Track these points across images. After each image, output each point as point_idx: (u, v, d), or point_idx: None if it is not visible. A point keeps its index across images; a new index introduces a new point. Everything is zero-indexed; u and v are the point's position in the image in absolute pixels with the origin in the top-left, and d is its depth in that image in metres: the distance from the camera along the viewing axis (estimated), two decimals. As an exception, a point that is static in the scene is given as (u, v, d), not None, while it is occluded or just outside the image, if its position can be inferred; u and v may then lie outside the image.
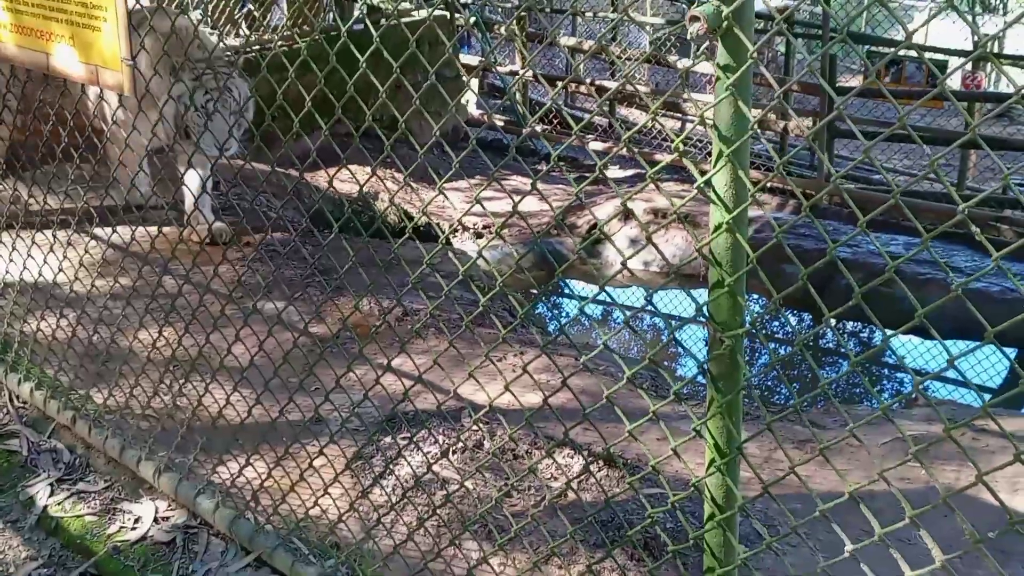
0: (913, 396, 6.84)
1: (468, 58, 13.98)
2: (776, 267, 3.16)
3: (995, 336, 1.53)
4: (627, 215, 8.43)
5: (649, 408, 2.09)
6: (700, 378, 6.61)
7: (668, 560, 2.24)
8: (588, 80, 11.18)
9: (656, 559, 3.24)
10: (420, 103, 2.28)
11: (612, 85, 11.10)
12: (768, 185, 10.29)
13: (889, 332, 1.67)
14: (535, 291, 8.17)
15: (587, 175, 10.15)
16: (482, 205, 2.33)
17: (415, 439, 3.97)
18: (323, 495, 3.07)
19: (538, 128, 10.87)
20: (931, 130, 10.65)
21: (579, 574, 3.11)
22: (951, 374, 7.83)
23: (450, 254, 2.66)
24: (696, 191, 1.95)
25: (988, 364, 7.87)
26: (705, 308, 2.00)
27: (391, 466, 3.74)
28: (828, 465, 1.89)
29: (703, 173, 1.93)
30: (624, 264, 2.06)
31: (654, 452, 2.21)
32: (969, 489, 1.71)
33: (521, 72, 9.43)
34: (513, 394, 2.58)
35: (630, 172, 11.91)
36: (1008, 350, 7.80)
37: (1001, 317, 1.64)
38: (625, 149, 3.41)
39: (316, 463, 3.26)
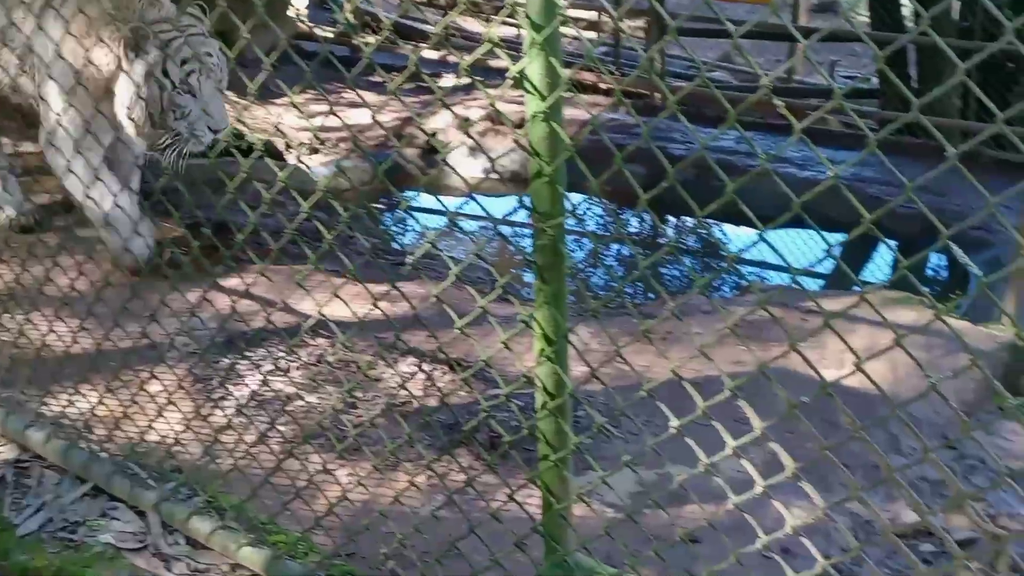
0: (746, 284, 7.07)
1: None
2: (611, 166, 3.21)
3: (817, 220, 1.59)
4: (461, 124, 8.37)
5: (484, 307, 2.10)
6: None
7: (504, 452, 2.27)
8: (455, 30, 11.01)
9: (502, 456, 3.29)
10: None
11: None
12: (604, 87, 10.36)
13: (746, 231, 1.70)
14: (378, 205, 8.09)
15: (423, 85, 10.01)
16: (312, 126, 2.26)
17: (254, 359, 3.91)
18: (157, 419, 3.00)
19: (370, 39, 10.66)
20: (762, 25, 10.84)
21: (427, 476, 3.13)
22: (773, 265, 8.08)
23: (269, 163, 2.58)
24: (510, 81, 1.93)
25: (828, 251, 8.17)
26: (527, 199, 2.00)
27: (227, 386, 3.68)
28: (668, 357, 1.93)
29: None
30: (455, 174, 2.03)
31: (497, 355, 2.22)
32: (781, 358, 1.77)
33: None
34: (349, 307, 2.55)
35: (466, 81, 11.82)
36: (837, 235, 8.11)
37: (829, 203, 1.71)
38: (454, 56, 3.38)
39: (154, 389, 3.18)
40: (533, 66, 1.88)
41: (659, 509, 3.06)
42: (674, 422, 1.89)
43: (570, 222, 3.40)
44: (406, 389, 2.61)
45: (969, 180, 1.59)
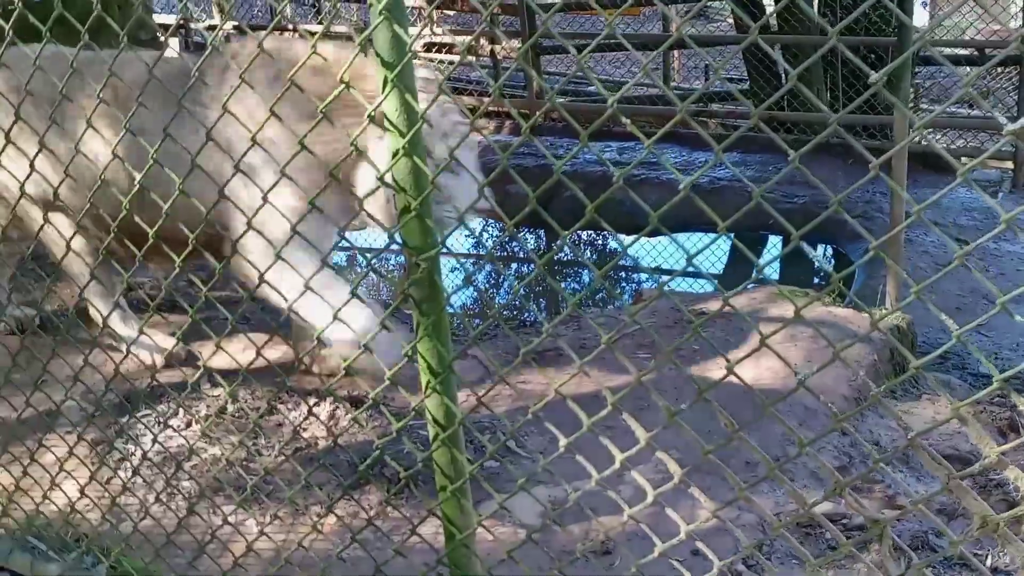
0: (637, 292, 7.16)
1: (164, 17, 13.40)
2: (501, 188, 3.24)
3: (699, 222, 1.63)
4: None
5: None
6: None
7: (405, 487, 2.28)
8: (293, 25, 10.91)
9: (414, 490, 3.30)
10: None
11: (318, 28, 10.91)
12: (494, 109, 10.43)
13: (626, 238, 1.74)
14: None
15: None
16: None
17: (154, 416, 3.86)
18: (53, 488, 2.94)
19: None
20: (637, 36, 11.01)
21: (337, 518, 3.12)
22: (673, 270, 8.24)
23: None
24: (368, 122, 1.94)
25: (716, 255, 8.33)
26: (398, 234, 2.02)
27: (126, 446, 3.63)
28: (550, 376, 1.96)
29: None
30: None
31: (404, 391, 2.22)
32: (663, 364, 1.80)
33: (220, 25, 9.14)
34: (233, 357, 2.54)
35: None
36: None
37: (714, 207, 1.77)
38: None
39: (48, 459, 3.12)
40: (389, 103, 1.90)
41: (574, 524, 3.13)
42: (563, 441, 1.91)
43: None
44: (299, 432, 2.58)
45: (844, 171, 1.64)
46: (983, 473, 3.05)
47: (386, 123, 1.93)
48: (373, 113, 1.90)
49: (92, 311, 4.19)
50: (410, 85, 1.90)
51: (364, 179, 3.71)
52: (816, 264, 8.25)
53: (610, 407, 1.83)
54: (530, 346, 1.87)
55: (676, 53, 12.88)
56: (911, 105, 11.16)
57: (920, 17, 19.42)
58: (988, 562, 2.99)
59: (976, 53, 10.12)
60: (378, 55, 1.88)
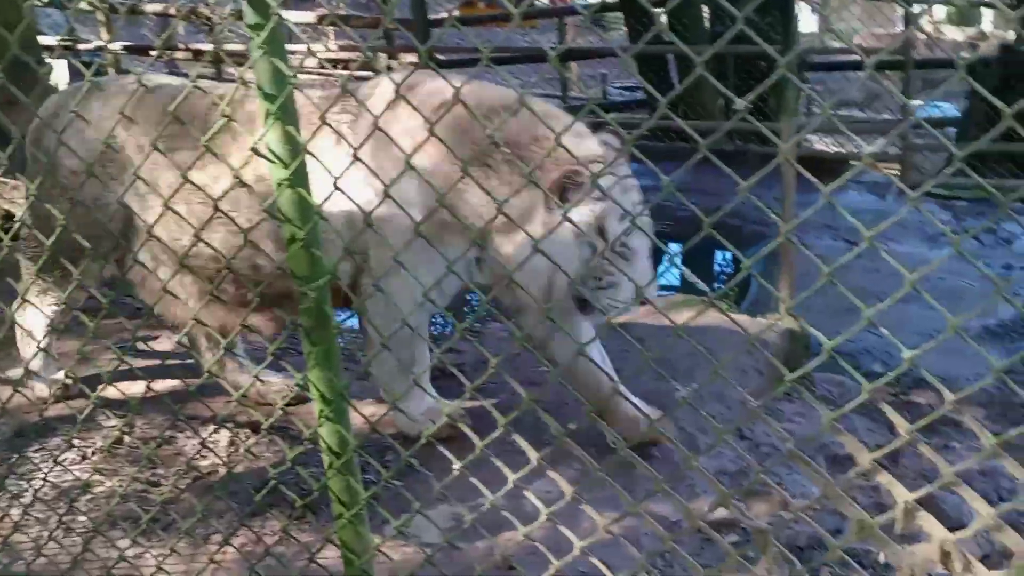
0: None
1: (49, 39, 13.08)
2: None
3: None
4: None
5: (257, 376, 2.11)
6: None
7: (302, 514, 2.29)
8: (184, 45, 10.78)
9: (316, 515, 3.29)
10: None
11: (209, 47, 10.81)
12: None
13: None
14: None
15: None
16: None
17: (47, 449, 3.78)
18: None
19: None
20: (533, 49, 11.08)
21: (239, 544, 3.09)
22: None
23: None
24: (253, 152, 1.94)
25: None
26: (287, 266, 2.02)
27: (18, 482, 3.55)
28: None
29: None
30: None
31: (308, 418, 2.22)
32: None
33: (106, 45, 8.99)
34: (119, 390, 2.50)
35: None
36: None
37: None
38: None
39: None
40: (272, 135, 1.91)
41: (480, 541, 3.14)
42: (456, 464, 1.93)
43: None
44: (204, 459, 2.55)
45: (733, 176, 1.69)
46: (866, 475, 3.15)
47: (267, 154, 1.92)
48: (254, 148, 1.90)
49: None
50: (291, 117, 1.91)
51: (521, 251, 3.21)
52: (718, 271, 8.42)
53: (501, 429, 1.86)
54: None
55: (574, 64, 13.03)
56: (804, 111, 11.44)
57: (811, 23, 19.92)
58: (882, 559, 3.09)
59: (864, 58, 10.38)
60: (259, 88, 1.88)
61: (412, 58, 9.01)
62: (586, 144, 3.23)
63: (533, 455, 1.85)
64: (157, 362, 4.15)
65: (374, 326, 3.24)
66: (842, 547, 1.66)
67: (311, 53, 10.13)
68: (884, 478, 1.59)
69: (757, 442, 3.91)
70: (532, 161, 3.14)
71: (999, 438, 1.55)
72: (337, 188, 1.90)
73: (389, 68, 9.12)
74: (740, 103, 1.52)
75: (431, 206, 2.94)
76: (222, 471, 3.62)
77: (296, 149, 1.90)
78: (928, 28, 20.51)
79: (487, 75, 12.07)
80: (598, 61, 12.73)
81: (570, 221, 2.94)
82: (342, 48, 11.62)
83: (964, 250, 1.39)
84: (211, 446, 3.72)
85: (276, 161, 1.91)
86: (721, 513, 3.18)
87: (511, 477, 1.89)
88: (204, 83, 3.64)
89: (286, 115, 1.89)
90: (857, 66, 11.55)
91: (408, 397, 3.37)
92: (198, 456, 3.72)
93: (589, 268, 3.25)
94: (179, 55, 10.18)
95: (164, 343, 4.40)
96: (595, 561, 1.92)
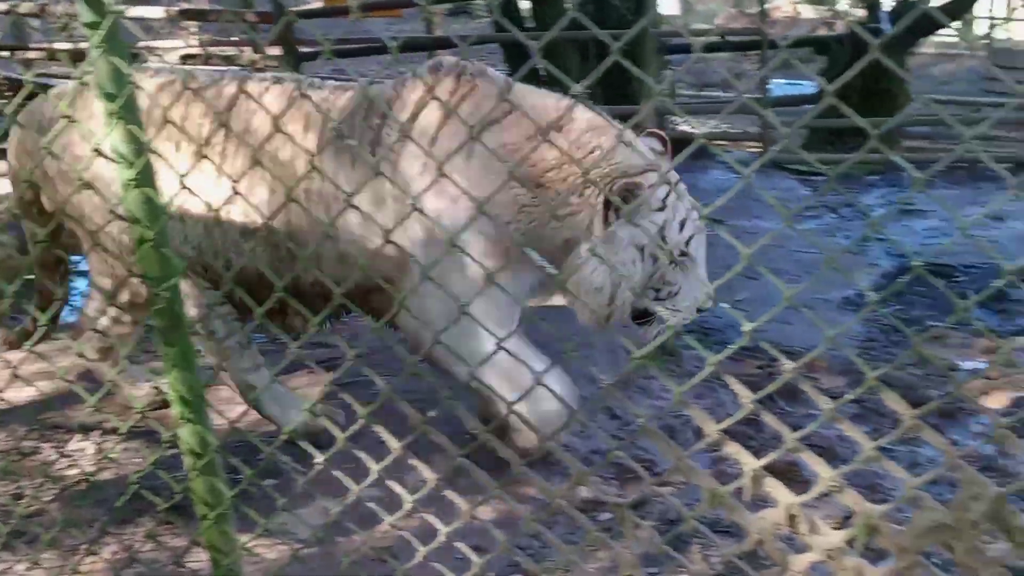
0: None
1: None
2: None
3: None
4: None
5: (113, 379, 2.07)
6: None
7: (165, 518, 2.26)
8: (37, 44, 10.42)
9: (188, 519, 3.25)
10: None
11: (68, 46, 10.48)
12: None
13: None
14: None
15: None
16: None
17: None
18: None
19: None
20: (374, 40, 10.84)
21: (112, 553, 3.04)
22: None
23: None
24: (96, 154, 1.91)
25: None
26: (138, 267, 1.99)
27: None
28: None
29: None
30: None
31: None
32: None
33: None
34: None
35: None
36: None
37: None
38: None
39: None
40: (114, 135, 1.87)
41: (353, 534, 3.14)
42: (319, 457, 1.94)
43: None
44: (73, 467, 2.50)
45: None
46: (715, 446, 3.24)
47: (110, 154, 1.89)
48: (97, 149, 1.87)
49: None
50: (134, 116, 1.87)
51: (583, 267, 3.15)
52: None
53: (361, 421, 1.87)
54: (279, 366, 1.89)
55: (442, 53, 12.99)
56: (668, 93, 11.64)
57: (673, 6, 20.26)
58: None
59: (721, 38, 10.63)
60: (100, 87, 1.85)
61: (276, 51, 8.88)
62: (638, 152, 3.14)
63: (395, 445, 1.87)
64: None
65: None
66: (696, 516, 1.72)
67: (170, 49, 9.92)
68: (732, 448, 1.65)
69: (627, 420, 3.98)
70: (586, 175, 3.12)
71: (837, 403, 1.63)
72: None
73: (254, 63, 9.00)
74: (577, 88, 1.55)
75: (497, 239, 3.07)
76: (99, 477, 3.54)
77: (141, 148, 1.87)
78: (787, 7, 21.09)
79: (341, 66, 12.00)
80: (474, 49, 12.71)
81: (633, 233, 3.07)
82: (203, 44, 11.38)
83: (819, 224, 1.45)
84: (75, 455, 3.64)
85: (121, 161, 1.88)
86: (592, 493, 3.24)
87: (374, 468, 1.90)
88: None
89: (129, 114, 1.86)
90: (718, 47, 11.81)
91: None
92: (63, 466, 3.63)
93: (651, 279, 3.19)
94: (32, 54, 9.84)
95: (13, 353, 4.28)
96: (461, 545, 1.94)
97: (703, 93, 13.29)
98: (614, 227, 3.12)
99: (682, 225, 3.19)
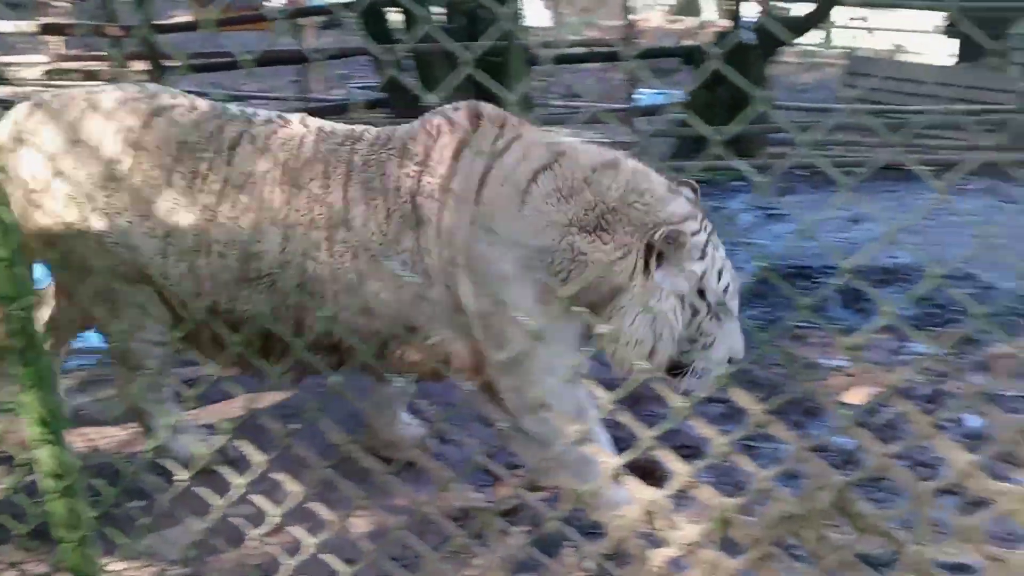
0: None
1: None
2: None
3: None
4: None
5: None
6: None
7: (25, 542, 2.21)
8: None
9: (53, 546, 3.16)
10: None
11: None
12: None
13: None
14: None
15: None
16: None
17: None
18: None
19: None
20: (224, 53, 10.62)
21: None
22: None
23: None
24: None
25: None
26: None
27: None
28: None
29: None
30: None
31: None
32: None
33: None
34: None
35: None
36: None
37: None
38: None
39: None
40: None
41: (224, 552, 3.10)
42: (180, 476, 1.92)
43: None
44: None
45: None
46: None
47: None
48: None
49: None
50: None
51: (625, 319, 3.03)
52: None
53: (229, 435, 1.86)
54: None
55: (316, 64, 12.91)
56: (539, 103, 11.77)
57: (544, 17, 20.50)
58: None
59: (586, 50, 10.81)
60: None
61: (143, 65, 8.70)
62: (678, 202, 3.08)
63: (259, 460, 1.86)
64: None
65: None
66: (559, 517, 1.76)
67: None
68: (592, 448, 1.69)
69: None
70: (633, 223, 3.03)
71: (691, 399, 1.69)
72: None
73: (117, 77, 8.80)
74: (432, 97, 1.58)
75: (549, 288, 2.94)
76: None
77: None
78: (658, 18, 21.55)
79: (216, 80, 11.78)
80: (341, 62, 12.64)
81: (674, 282, 2.99)
82: (64, 58, 11.10)
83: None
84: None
85: (-33, 182, 1.84)
86: (467, 500, 3.27)
87: (237, 482, 1.89)
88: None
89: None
90: (589, 58, 11.98)
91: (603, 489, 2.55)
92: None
93: (689, 330, 3.08)
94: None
95: None
96: (326, 557, 1.95)
97: (572, 103, 13.44)
98: (655, 277, 3.02)
99: (720, 274, 3.11)
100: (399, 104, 9.95)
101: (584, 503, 2.37)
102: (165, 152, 3.13)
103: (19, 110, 3.26)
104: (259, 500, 1.92)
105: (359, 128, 3.30)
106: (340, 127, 3.32)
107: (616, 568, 1.87)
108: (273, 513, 1.88)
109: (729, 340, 3.13)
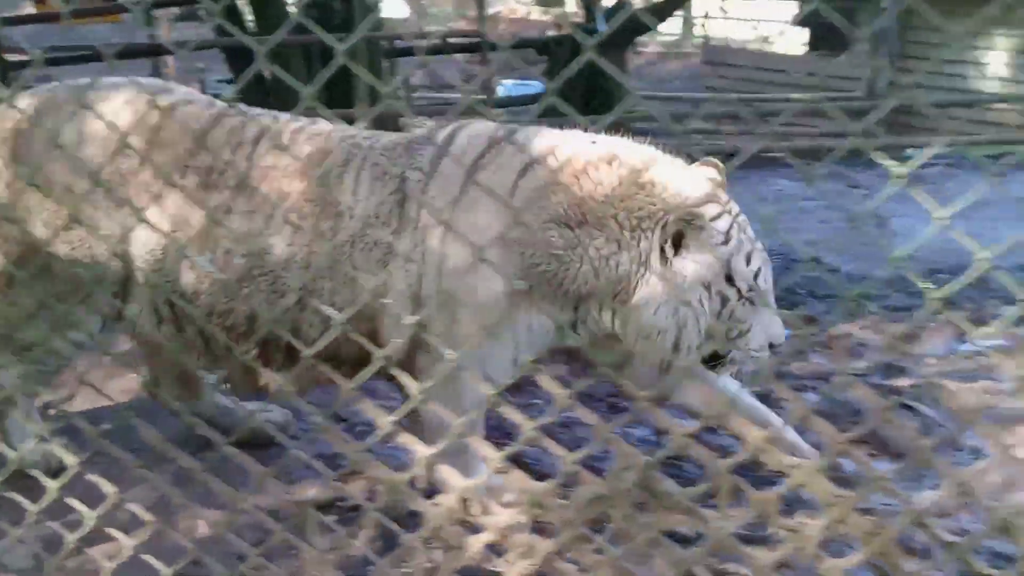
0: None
1: None
2: None
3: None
4: None
5: None
6: None
7: None
8: None
9: None
10: None
11: None
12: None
13: None
14: None
15: None
16: None
17: None
18: None
19: None
20: (85, 47, 10.36)
21: None
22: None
23: None
24: None
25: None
26: None
27: None
28: None
29: None
30: None
31: None
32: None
33: None
34: None
35: None
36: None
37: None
38: None
39: None
40: None
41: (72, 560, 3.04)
42: (52, 484, 1.88)
43: None
44: None
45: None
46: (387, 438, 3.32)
47: None
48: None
49: None
50: None
51: (642, 311, 2.95)
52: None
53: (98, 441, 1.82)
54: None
55: (170, 59, 12.63)
56: (404, 94, 11.74)
57: (403, 9, 20.41)
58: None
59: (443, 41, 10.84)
60: None
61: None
62: (693, 182, 2.96)
63: (71, 460, 1.83)
64: None
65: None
66: (379, 508, 1.77)
67: None
68: (405, 438, 1.71)
69: (354, 423, 4.01)
70: (641, 211, 2.93)
71: (572, 389, 1.72)
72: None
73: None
74: (305, 91, 1.58)
75: (522, 274, 2.88)
76: None
77: None
78: (519, 10, 21.69)
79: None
80: (196, 55, 12.38)
81: (697, 269, 2.89)
82: None
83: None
84: None
85: None
86: (319, 493, 3.27)
87: (52, 486, 1.85)
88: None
89: None
90: (451, 49, 12.00)
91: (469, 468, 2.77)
92: None
93: (720, 319, 2.96)
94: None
95: None
96: (147, 557, 1.92)
97: (439, 95, 13.44)
98: (674, 264, 2.93)
99: (748, 258, 2.97)
100: (250, 96, 9.81)
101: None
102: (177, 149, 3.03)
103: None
104: (73, 503, 1.89)
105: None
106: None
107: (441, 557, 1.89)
108: (89, 515, 1.85)
109: (766, 326, 3.03)
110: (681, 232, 2.90)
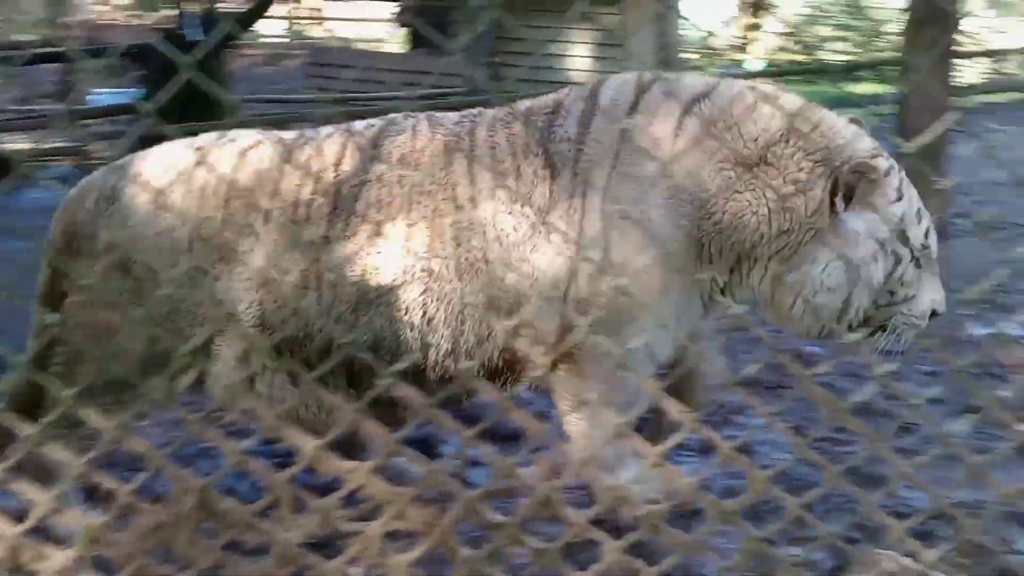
0: None
1: None
2: None
3: None
4: None
5: None
6: None
7: None
8: None
9: None
10: None
11: None
12: None
13: None
14: None
15: None
16: None
17: None
18: None
19: None
20: None
21: None
22: None
23: None
24: None
25: None
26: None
27: None
28: None
29: None
30: None
31: None
32: None
33: None
34: None
35: None
36: None
37: None
38: None
39: None
40: None
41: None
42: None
43: None
44: None
45: None
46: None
47: None
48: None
49: None
50: None
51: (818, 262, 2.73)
52: None
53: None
54: None
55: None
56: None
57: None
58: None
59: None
60: None
61: None
62: (863, 137, 2.79)
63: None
64: None
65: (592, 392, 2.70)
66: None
67: None
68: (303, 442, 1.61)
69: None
70: (816, 154, 2.71)
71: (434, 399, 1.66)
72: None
73: None
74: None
75: (683, 233, 2.68)
76: None
77: None
78: (117, 14, 20.66)
79: None
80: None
81: (870, 225, 2.70)
82: None
83: None
84: None
85: None
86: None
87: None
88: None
89: None
90: (49, 58, 11.39)
91: (623, 467, 2.73)
92: None
93: (890, 280, 2.74)
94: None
95: None
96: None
97: (30, 107, 12.56)
98: (845, 219, 2.72)
99: (919, 216, 2.80)
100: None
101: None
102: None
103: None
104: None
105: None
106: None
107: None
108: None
109: (932, 291, 2.84)
110: (852, 184, 2.74)
